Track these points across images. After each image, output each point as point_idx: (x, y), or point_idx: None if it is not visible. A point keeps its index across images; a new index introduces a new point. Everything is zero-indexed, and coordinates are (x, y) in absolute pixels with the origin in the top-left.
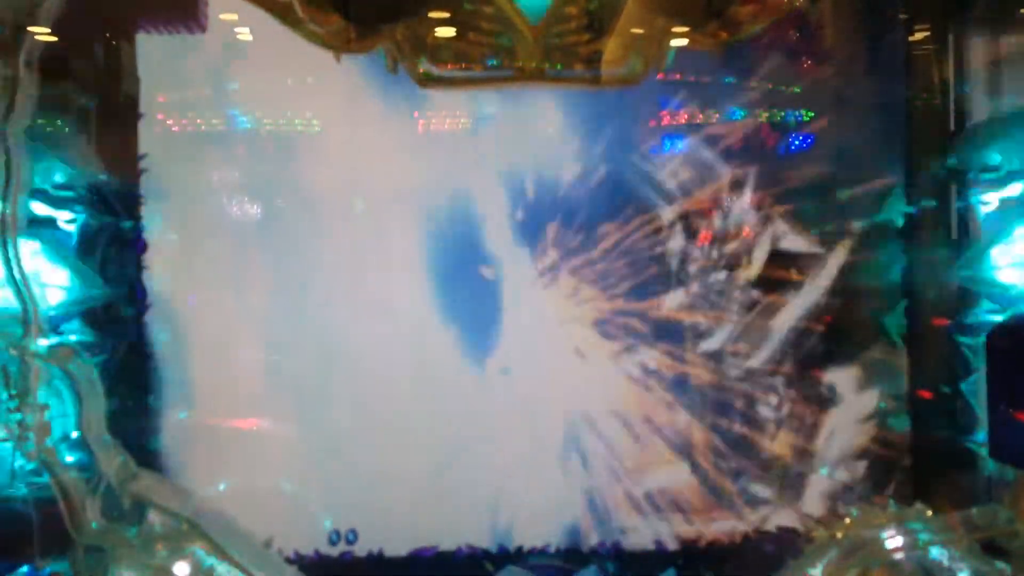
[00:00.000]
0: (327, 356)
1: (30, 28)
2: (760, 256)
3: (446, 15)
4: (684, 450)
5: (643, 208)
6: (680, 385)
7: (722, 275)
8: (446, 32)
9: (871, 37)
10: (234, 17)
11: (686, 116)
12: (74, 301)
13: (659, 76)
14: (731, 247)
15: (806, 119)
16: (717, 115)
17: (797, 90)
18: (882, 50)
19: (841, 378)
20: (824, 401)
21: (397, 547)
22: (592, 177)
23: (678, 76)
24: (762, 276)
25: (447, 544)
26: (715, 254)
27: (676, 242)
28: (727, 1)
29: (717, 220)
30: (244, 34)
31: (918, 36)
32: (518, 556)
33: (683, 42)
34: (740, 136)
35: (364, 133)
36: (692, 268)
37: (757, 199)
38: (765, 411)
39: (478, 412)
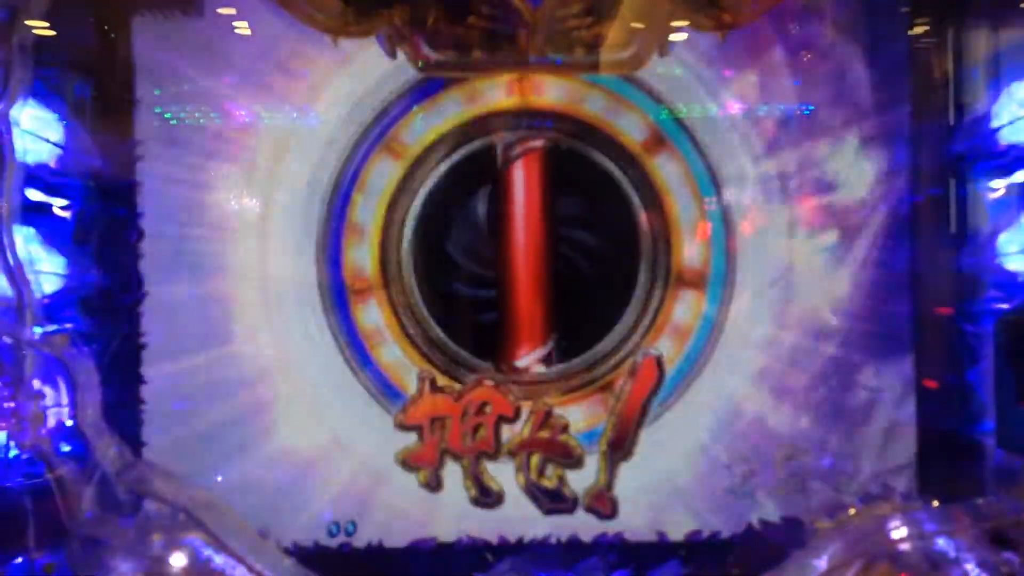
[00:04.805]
0: (324, 345)
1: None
2: None
3: None
4: None
5: None
6: None
7: None
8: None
9: (873, 26)
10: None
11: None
12: (69, 289)
13: None
14: None
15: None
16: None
17: (798, 81)
18: (884, 39)
19: (846, 367)
20: (830, 392)
21: (396, 538)
22: None
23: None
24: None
25: (446, 535)
26: None
27: None
28: None
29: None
30: (242, 28)
31: (919, 29)
32: (519, 547)
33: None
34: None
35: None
36: None
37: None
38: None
39: None
